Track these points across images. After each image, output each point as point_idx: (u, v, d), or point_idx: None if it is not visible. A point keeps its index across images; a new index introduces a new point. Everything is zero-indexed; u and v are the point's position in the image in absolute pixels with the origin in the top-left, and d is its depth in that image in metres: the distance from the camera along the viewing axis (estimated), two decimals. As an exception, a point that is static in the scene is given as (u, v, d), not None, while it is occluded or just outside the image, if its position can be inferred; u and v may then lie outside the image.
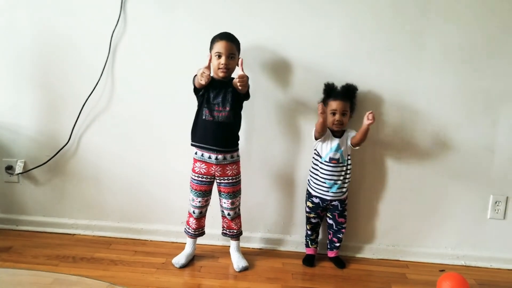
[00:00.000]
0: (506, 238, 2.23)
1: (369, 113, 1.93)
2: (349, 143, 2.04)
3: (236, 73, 1.88)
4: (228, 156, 1.98)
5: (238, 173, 2.03)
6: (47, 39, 2.14)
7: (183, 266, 2.04)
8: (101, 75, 2.15)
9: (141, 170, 2.24)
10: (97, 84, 2.16)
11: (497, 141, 2.15)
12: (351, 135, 2.04)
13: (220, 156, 1.95)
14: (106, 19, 2.10)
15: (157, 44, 2.12)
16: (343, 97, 2.02)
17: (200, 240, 2.14)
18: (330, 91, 2.05)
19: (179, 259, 2.05)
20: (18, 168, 2.25)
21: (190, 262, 2.08)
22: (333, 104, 2.01)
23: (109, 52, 2.13)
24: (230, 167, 1.99)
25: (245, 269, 2.05)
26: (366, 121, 1.94)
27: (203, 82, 1.83)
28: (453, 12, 2.04)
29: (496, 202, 2.21)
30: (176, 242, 2.24)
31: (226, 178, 1.99)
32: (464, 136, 2.15)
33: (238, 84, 1.83)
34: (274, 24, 2.08)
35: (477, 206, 2.22)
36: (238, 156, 2.03)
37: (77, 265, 2.00)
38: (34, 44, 2.15)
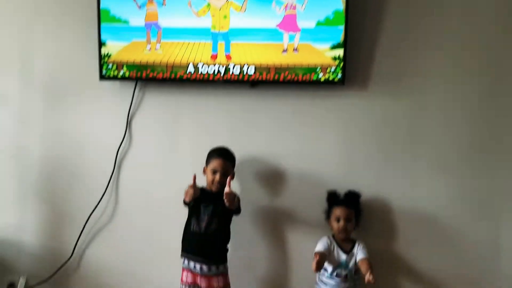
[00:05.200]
0: None
1: (371, 277, 1.82)
2: (359, 258, 1.99)
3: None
4: (213, 268, 1.95)
5: (226, 284, 1.99)
6: (55, 156, 2.24)
7: None
8: (105, 190, 2.21)
9: (143, 285, 2.22)
10: (101, 199, 2.21)
11: (502, 243, 2.14)
12: (361, 253, 1.98)
13: (205, 267, 1.94)
14: (112, 136, 2.21)
15: (161, 160, 2.22)
16: (347, 204, 2.04)
17: None
18: (333, 198, 2.08)
19: None
20: (20, 286, 2.23)
21: None
22: (337, 211, 2.03)
23: (114, 168, 2.21)
24: (216, 279, 1.96)
25: None
26: (367, 279, 1.85)
27: (187, 200, 1.92)
28: (443, 119, 2.15)
29: (508, 306, 2.15)
30: None
31: None
32: (470, 237, 2.15)
33: (225, 200, 1.88)
34: (271, 137, 2.18)
35: (489, 310, 2.17)
36: (225, 268, 2.00)
37: None
38: (41, 162, 2.24)
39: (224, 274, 1.99)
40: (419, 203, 2.16)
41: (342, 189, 2.10)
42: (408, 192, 2.16)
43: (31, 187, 2.25)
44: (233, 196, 1.91)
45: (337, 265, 2.00)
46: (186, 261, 1.98)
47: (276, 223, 2.19)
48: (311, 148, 2.18)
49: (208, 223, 1.95)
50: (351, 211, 2.04)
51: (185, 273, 1.99)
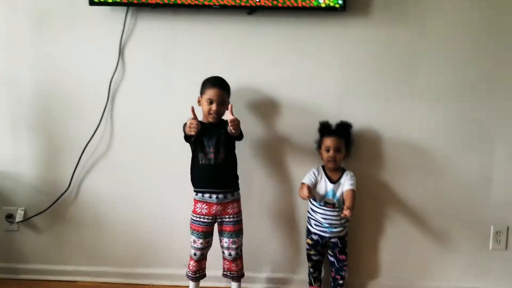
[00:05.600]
0: (509, 268, 2.23)
1: (347, 211, 1.88)
2: (344, 188, 2.02)
3: (227, 117, 1.92)
4: (228, 194, 1.98)
5: (239, 211, 2.03)
6: (47, 87, 2.18)
7: (187, 311, 2.02)
8: (100, 120, 2.17)
9: (140, 214, 2.24)
10: (96, 129, 2.18)
11: (494, 171, 2.17)
12: (347, 184, 2.01)
13: (220, 195, 1.96)
14: (105, 65, 2.14)
15: (155, 89, 2.16)
16: (337, 134, 2.05)
17: (203, 283, 2.12)
18: (324, 129, 2.09)
19: (183, 304, 2.03)
20: (19, 216, 2.24)
21: (194, 305, 2.06)
22: (327, 141, 2.04)
23: (108, 98, 2.16)
24: (231, 205, 1.99)
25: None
26: (343, 213, 1.90)
27: (193, 133, 1.88)
28: (444, 48, 2.10)
29: (497, 233, 2.21)
30: (179, 286, 2.21)
31: (227, 216, 1.99)
32: (462, 167, 2.17)
33: (231, 127, 1.87)
34: (267, 66, 2.13)
35: (479, 237, 2.22)
36: (238, 194, 2.03)
37: (79, 315, 1.98)
38: (33, 93, 2.18)
39: (238, 201, 2.02)
40: (412, 134, 2.16)
41: (337, 119, 2.09)
42: (401, 123, 2.15)
43: (25, 118, 2.20)
44: (238, 122, 1.90)
45: (324, 194, 2.04)
46: (200, 194, 1.99)
47: (271, 153, 2.19)
48: (309, 78, 2.14)
49: (216, 154, 1.94)
50: (341, 141, 2.04)
51: (199, 204, 1.99)
